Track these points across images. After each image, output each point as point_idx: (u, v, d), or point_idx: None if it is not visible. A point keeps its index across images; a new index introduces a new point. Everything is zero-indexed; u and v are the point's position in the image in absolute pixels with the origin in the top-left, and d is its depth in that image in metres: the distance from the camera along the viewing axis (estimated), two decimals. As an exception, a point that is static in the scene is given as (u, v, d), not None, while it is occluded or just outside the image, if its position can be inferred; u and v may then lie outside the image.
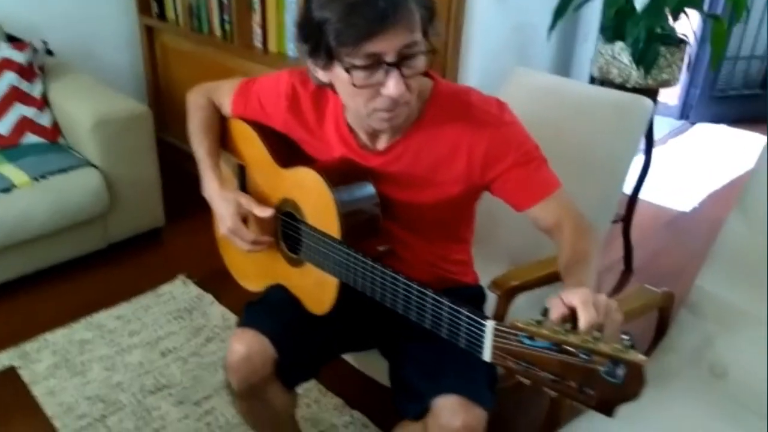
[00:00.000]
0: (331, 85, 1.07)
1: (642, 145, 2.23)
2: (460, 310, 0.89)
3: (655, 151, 2.33)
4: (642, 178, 2.31)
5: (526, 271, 1.38)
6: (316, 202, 1.12)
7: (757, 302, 1.35)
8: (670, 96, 4.18)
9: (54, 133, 2.32)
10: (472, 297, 1.36)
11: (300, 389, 1.81)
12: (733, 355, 1.37)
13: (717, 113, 4.15)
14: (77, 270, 2.29)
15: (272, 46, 2.44)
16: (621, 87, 2.05)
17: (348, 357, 1.46)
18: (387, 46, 0.94)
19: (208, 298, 2.18)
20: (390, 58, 0.95)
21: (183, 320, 2.08)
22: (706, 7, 2.90)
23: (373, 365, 1.41)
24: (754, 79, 4.17)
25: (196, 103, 1.35)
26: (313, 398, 1.78)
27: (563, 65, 2.52)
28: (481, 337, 0.86)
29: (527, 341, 0.80)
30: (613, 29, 2.03)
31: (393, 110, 1.01)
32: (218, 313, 2.11)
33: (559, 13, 2.05)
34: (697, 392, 1.32)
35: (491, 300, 1.38)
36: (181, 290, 2.22)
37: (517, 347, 0.81)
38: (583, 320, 0.80)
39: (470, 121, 1.10)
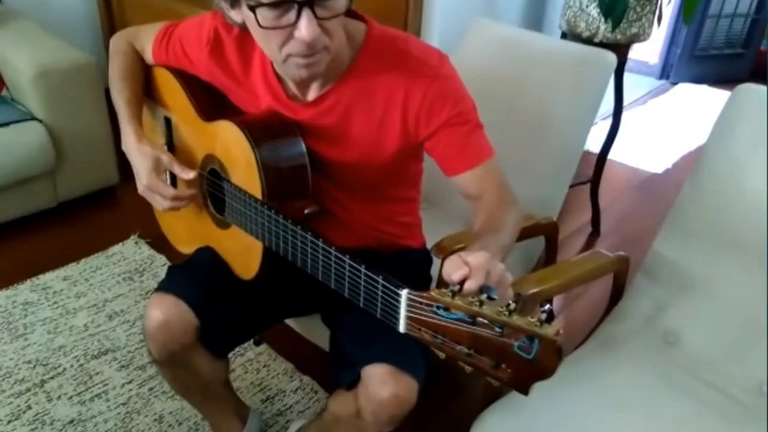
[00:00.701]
0: (246, 27, 0.97)
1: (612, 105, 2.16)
2: (376, 278, 0.83)
3: (633, 112, 2.26)
4: (610, 140, 2.24)
5: (471, 234, 1.31)
6: (239, 158, 1.04)
7: (712, 269, 1.31)
8: (651, 55, 4.09)
9: (-4, 84, 2.20)
10: (417, 261, 1.29)
11: (251, 353, 1.78)
12: (686, 322, 1.32)
13: (698, 73, 4.06)
14: (26, 229, 2.20)
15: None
16: (588, 41, 1.96)
17: (290, 322, 1.41)
18: None
19: (161, 259, 2.11)
20: None
21: (132, 282, 2.01)
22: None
23: (315, 331, 1.35)
24: (737, 37, 4.08)
25: (117, 49, 1.24)
26: (262, 363, 1.73)
27: (535, 18, 2.41)
28: (397, 306, 0.80)
29: (442, 312, 0.74)
30: (583, -21, 1.92)
31: (310, 56, 0.92)
32: (169, 274, 2.04)
33: (527, -39, 1.94)
34: (647, 359, 1.28)
35: (437, 264, 1.32)
36: (132, 251, 2.15)
37: (431, 318, 0.75)
38: (469, 284, 0.74)
39: (406, 72, 1.01)
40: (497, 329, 0.70)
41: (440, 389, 1.07)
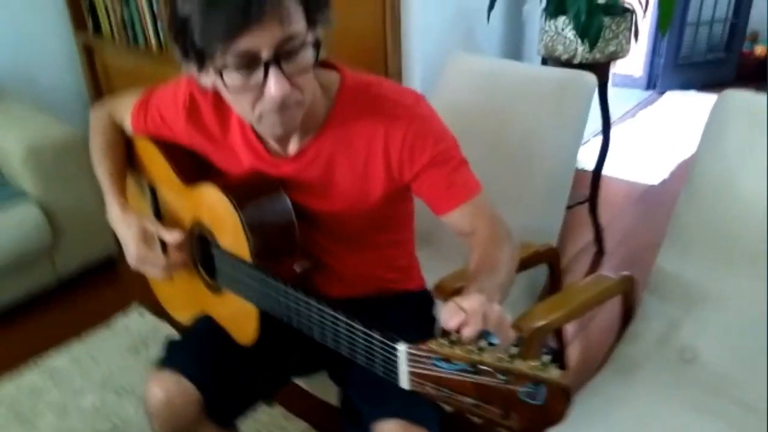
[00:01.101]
0: (217, 90, 0.97)
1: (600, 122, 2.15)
2: (372, 334, 0.80)
3: (624, 125, 2.26)
4: (602, 156, 2.23)
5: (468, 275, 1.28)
6: (224, 221, 1.02)
7: (718, 279, 1.27)
8: (635, 67, 4.11)
9: (-13, 168, 2.21)
10: (418, 304, 1.27)
11: (265, 416, 1.74)
12: (701, 337, 1.29)
13: (684, 80, 4.08)
14: (27, 310, 2.17)
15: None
16: (568, 63, 1.97)
17: (300, 381, 1.37)
18: (258, 42, 0.83)
19: (165, 327, 2.08)
20: (266, 55, 0.84)
21: (138, 354, 1.98)
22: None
23: (324, 388, 1.31)
24: (718, 43, 4.10)
25: (97, 122, 1.24)
26: (277, 425, 1.69)
27: (514, 46, 2.43)
28: (395, 362, 0.77)
29: (443, 364, 0.71)
30: (555, 4, 1.94)
31: (283, 112, 0.91)
32: (174, 341, 2.01)
33: (497, -7, 1.97)
34: (666, 381, 1.24)
35: (440, 305, 1.29)
36: (136, 321, 2.12)
37: (433, 372, 0.72)
38: (467, 331, 0.72)
39: (383, 116, 1.00)
40: (501, 377, 0.67)
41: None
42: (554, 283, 1.53)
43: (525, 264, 1.40)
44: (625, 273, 1.36)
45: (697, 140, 1.35)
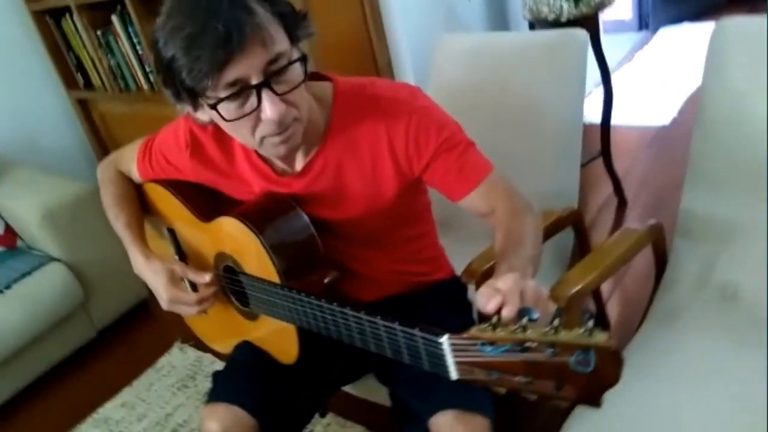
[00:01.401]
0: (215, 123, 0.97)
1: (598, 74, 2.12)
2: (413, 332, 0.80)
3: (623, 71, 2.22)
4: (608, 108, 2.19)
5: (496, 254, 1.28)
6: (247, 249, 1.03)
7: (745, 209, 1.25)
8: (624, 10, 4.05)
9: (9, 238, 2.24)
10: (451, 293, 1.26)
11: (319, 428, 1.75)
12: (739, 270, 1.27)
13: (675, 14, 4.00)
14: (73, 367, 2.21)
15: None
16: (556, 23, 1.94)
17: (347, 388, 1.38)
18: (246, 69, 0.83)
19: (208, 358, 2.10)
20: (255, 79, 0.85)
21: (188, 389, 2.00)
22: None
23: (373, 390, 1.32)
24: (704, -32, 4.01)
25: (104, 177, 1.25)
26: (333, 432, 1.70)
27: (498, 16, 2.40)
28: (442, 355, 0.77)
29: (488, 349, 0.71)
30: (531, -35, 1.91)
31: (283, 132, 0.91)
32: (220, 370, 2.03)
33: (472, -35, 1.94)
34: (711, 322, 1.22)
35: (473, 289, 1.28)
36: (179, 358, 2.15)
37: (480, 358, 0.72)
38: (506, 311, 0.72)
39: (382, 115, 1.00)
40: (548, 350, 0.66)
41: (507, 418, 1.03)
42: (582, 246, 1.51)
43: (550, 232, 1.39)
44: (652, 221, 1.34)
45: (699, 72, 1.32)
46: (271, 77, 0.86)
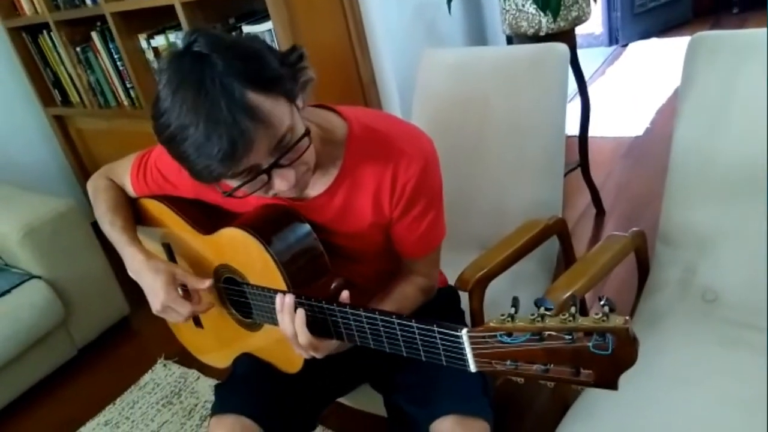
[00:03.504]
0: None
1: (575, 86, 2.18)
2: (431, 327, 0.82)
3: (596, 84, 2.28)
4: (585, 119, 2.25)
5: (488, 258, 1.31)
6: (252, 260, 1.04)
7: (724, 216, 1.30)
8: (595, 26, 4.16)
9: (-13, 257, 2.20)
10: (445, 301, 1.28)
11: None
12: (719, 275, 1.31)
13: (644, 29, 4.13)
14: (54, 386, 2.18)
15: (182, 100, 2.34)
16: (535, 37, 1.99)
17: (342, 399, 1.38)
18: (256, 158, 0.85)
19: (193, 374, 2.08)
20: (265, 164, 0.87)
21: (173, 405, 1.98)
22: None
23: (367, 400, 1.33)
24: (670, -15, 4.16)
25: (98, 186, 1.24)
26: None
27: (477, 32, 2.46)
28: (461, 349, 0.79)
29: (507, 339, 0.74)
30: (510, -18, 1.97)
31: (295, 188, 0.94)
32: (206, 386, 2.01)
33: (452, -18, 1.99)
34: (692, 325, 1.26)
35: (465, 297, 1.31)
36: (163, 375, 2.12)
37: (498, 348, 0.75)
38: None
39: (391, 161, 1.02)
40: (567, 337, 0.69)
41: (499, 422, 1.06)
42: (567, 253, 1.55)
43: (536, 240, 1.43)
44: (635, 229, 1.39)
45: (669, 84, 1.37)
46: (279, 155, 0.87)
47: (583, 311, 1.68)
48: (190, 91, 0.81)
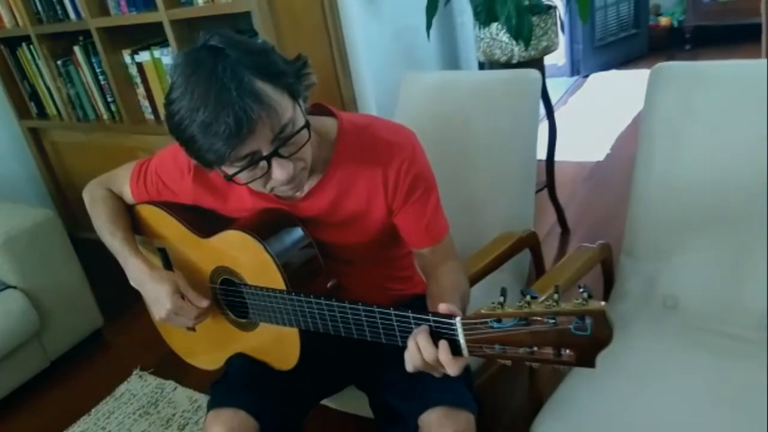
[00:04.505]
0: None
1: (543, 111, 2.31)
2: (427, 317, 0.90)
3: (559, 112, 2.41)
4: (552, 142, 2.38)
5: (471, 263, 1.40)
6: (252, 261, 1.10)
7: (685, 231, 1.42)
8: (558, 57, 4.36)
9: (-39, 265, 2.18)
10: (423, 306, 1.35)
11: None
12: (678, 284, 1.42)
13: (603, 61, 4.35)
14: (26, 397, 2.15)
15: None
16: (507, 64, 2.12)
17: (326, 401, 1.43)
18: (257, 144, 0.93)
19: (170, 384, 2.09)
20: (265, 151, 0.94)
21: (150, 415, 1.99)
22: (562, -32, 3.04)
23: (352, 401, 1.38)
24: (627, 20, 4.40)
25: (95, 197, 1.29)
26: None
27: (451, 57, 2.58)
28: (455, 335, 0.86)
29: (496, 324, 0.81)
30: (485, 12, 2.09)
31: (292, 183, 1.01)
32: (184, 397, 2.03)
33: (430, 11, 2.10)
34: (655, 330, 1.36)
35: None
36: (139, 385, 2.13)
37: (488, 333, 0.83)
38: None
39: (380, 156, 1.10)
40: (550, 321, 0.77)
41: (480, 417, 1.13)
42: (538, 264, 1.65)
43: (512, 251, 1.52)
44: (602, 242, 1.50)
45: (626, 113, 1.50)
46: (279, 145, 0.95)
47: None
48: (202, 77, 0.90)
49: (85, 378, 2.24)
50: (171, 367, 2.12)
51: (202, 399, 1.99)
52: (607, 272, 1.55)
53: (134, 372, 2.19)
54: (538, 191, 2.41)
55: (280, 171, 0.96)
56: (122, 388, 2.13)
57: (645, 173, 1.49)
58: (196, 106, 0.90)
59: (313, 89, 1.03)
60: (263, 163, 0.96)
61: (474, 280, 1.39)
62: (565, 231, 2.55)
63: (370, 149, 1.11)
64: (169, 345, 1.42)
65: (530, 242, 1.58)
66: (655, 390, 1.18)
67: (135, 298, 1.29)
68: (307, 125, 0.98)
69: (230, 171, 0.97)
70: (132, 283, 1.20)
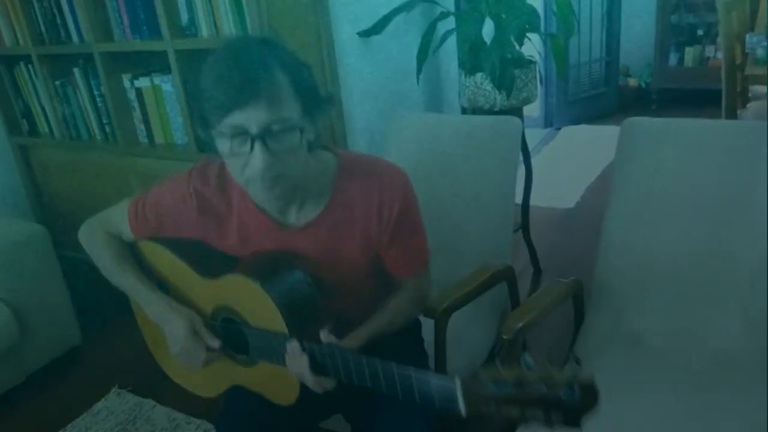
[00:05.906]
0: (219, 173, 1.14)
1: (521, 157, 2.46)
2: (427, 378, 0.95)
3: (532, 160, 2.56)
4: (528, 186, 2.53)
5: (454, 290, 1.49)
6: (254, 304, 1.14)
7: (650, 271, 1.54)
8: (533, 109, 4.58)
9: (-56, 275, 2.19)
10: (407, 330, 1.39)
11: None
12: (643, 321, 1.54)
13: (575, 115, 4.59)
14: (1, 410, 2.14)
15: (159, 139, 2.45)
16: (490, 111, 2.27)
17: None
18: (248, 119, 0.97)
19: (149, 402, 2.11)
20: (253, 130, 0.98)
21: (128, 432, 2.01)
22: (543, 28, 3.26)
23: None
24: (598, 79, 4.67)
25: (95, 241, 1.31)
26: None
27: (435, 101, 2.74)
28: (454, 395, 0.91)
29: (493, 387, 0.88)
30: (471, 62, 2.25)
31: (265, 183, 1.03)
32: (163, 415, 2.05)
33: (420, 57, 2.26)
34: (621, 364, 1.45)
35: (426, 323, 1.45)
36: (117, 403, 2.14)
37: (486, 394, 0.88)
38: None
39: (375, 188, 1.17)
40: (543, 388, 0.84)
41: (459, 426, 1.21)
42: (513, 297, 1.76)
43: (490, 284, 1.62)
44: (573, 278, 1.62)
45: (596, 165, 1.64)
46: (267, 134, 0.99)
47: (523, 347, 1.87)
48: (240, 49, 1.00)
49: (61, 394, 2.24)
50: (150, 386, 2.14)
51: (181, 418, 2.02)
52: (577, 307, 1.66)
53: (112, 390, 2.20)
54: (514, 231, 2.55)
55: (259, 158, 0.99)
56: (100, 405, 2.14)
57: (614, 219, 1.62)
58: (219, 60, 0.99)
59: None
60: (247, 147, 0.99)
61: (453, 308, 1.47)
62: (537, 270, 2.68)
63: (367, 174, 1.18)
64: (163, 369, 1.42)
65: (507, 275, 1.68)
66: (617, 422, 1.25)
67: (116, 315, 1.33)
68: (301, 130, 1.03)
69: (219, 138, 1.02)
70: (152, 317, 1.24)
